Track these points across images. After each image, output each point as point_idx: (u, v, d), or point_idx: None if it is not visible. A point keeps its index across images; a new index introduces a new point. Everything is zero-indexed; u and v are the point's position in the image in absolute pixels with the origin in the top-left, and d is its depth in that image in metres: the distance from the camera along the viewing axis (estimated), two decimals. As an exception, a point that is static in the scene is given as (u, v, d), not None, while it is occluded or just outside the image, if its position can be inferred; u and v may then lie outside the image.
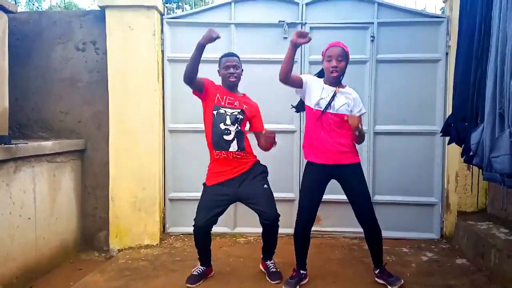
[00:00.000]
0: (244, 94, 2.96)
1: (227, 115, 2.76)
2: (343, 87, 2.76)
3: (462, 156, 2.41)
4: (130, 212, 3.71)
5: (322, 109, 2.65)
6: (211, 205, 2.74)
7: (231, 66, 2.81)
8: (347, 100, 2.69)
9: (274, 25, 3.89)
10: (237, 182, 2.77)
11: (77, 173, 3.79)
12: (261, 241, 3.81)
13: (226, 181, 2.78)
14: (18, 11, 3.66)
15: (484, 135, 2.06)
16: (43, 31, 3.82)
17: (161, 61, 3.86)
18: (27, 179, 3.07)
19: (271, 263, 3.02)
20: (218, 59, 3.86)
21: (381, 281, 2.82)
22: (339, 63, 2.64)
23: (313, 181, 2.75)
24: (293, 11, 3.91)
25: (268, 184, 2.86)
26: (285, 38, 3.89)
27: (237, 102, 2.82)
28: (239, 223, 4.02)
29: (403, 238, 3.83)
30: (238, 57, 2.92)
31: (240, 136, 2.79)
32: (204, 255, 2.92)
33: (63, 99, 3.84)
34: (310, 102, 2.72)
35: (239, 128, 2.79)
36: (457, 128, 2.49)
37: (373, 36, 3.84)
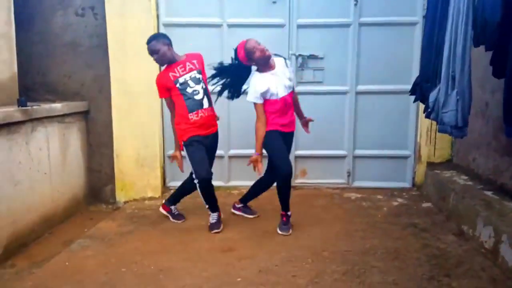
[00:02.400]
0: (185, 54, 3.20)
1: (187, 80, 3.08)
2: (272, 66, 3.07)
3: (423, 112, 2.79)
4: (134, 167, 4.10)
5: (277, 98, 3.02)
6: (201, 152, 3.11)
7: (152, 53, 3.08)
8: (286, 79, 3.07)
9: (264, -10, 4.12)
10: (209, 139, 3.19)
11: (83, 132, 4.12)
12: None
13: (204, 136, 3.15)
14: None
15: (439, 94, 2.43)
16: (43, -3, 4.01)
17: (156, 25, 4.09)
18: (42, 138, 3.41)
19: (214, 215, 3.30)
20: (208, 23, 4.14)
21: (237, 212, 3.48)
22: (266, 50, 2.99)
23: (281, 140, 3.13)
24: (281, -24, 4.12)
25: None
26: (274, 2, 4.12)
27: (187, 64, 3.11)
28: (233, 177, 4.42)
29: (379, 187, 4.29)
30: (157, 38, 3.09)
31: (206, 92, 3.14)
32: (214, 202, 3.27)
33: (65, 63, 4.10)
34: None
35: (203, 86, 3.12)
36: (421, 88, 2.85)
37: (356, 0, 4.09)
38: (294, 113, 3.25)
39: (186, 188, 3.43)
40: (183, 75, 3.09)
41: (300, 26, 4.16)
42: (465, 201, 3.07)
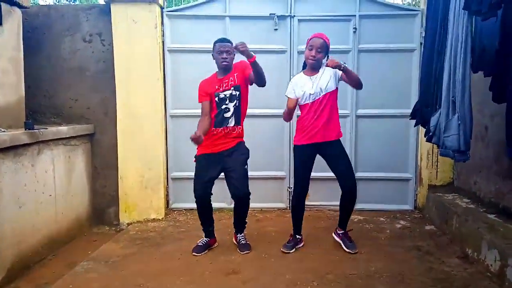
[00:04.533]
0: (233, 64, 3.18)
1: (227, 97, 3.12)
2: (317, 72, 3.13)
3: (425, 136, 2.84)
4: (138, 189, 4.12)
5: (313, 101, 3.05)
6: (203, 171, 3.12)
7: (224, 52, 3.08)
8: (328, 74, 3.07)
9: (265, 18, 4.25)
10: (223, 155, 3.13)
11: (88, 155, 4.16)
12: (256, 214, 4.28)
13: (215, 153, 3.13)
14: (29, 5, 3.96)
15: (440, 119, 2.49)
16: (52, 24, 4.13)
17: (162, 51, 4.20)
18: (47, 161, 3.44)
19: (242, 236, 3.34)
20: (211, 49, 4.25)
21: (338, 240, 3.30)
22: (317, 53, 3.04)
23: (304, 160, 3.16)
24: (282, 4, 4.26)
25: (247, 166, 3.22)
26: (276, 29, 4.26)
27: (230, 78, 3.12)
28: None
29: (381, 209, 4.31)
30: (231, 42, 3.13)
31: (237, 111, 3.13)
32: (208, 225, 3.30)
33: (72, 87, 4.18)
34: (300, 102, 3.11)
35: (238, 104, 3.12)
36: (421, 113, 2.91)
37: (355, 28, 4.22)
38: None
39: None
40: (225, 90, 3.12)
41: (300, 52, 4.25)
42: (468, 224, 3.09)
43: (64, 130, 3.68)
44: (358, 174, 4.35)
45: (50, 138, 3.47)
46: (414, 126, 3.28)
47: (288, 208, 4.42)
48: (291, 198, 4.42)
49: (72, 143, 3.84)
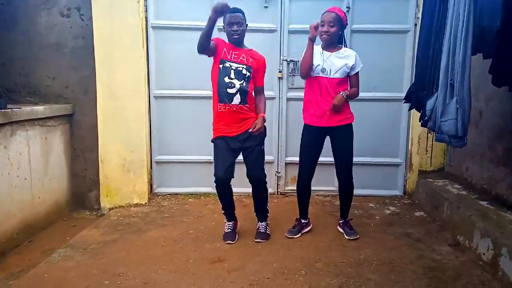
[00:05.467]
0: (251, 49, 2.98)
1: (232, 69, 2.85)
2: (339, 49, 2.99)
3: (419, 121, 2.73)
4: (120, 173, 3.95)
5: (319, 75, 2.92)
6: (224, 156, 2.92)
7: (234, 23, 2.81)
8: (344, 62, 2.95)
9: (255, -6, 4.04)
10: (241, 137, 2.92)
11: (67, 136, 3.96)
12: (242, 199, 4.16)
13: (232, 137, 2.92)
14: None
15: (437, 103, 2.37)
16: (27, -4, 3.86)
17: (145, 27, 3.97)
18: (22, 142, 3.25)
19: (262, 225, 3.17)
20: (198, 26, 4.05)
21: (341, 230, 3.23)
22: (330, 28, 2.89)
23: (310, 140, 3.06)
24: (273, -20, 4.05)
25: (263, 146, 3.05)
26: (266, 7, 4.06)
27: (243, 56, 2.88)
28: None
29: (370, 195, 4.24)
30: (242, 13, 2.88)
31: (243, 91, 2.87)
32: (229, 209, 3.14)
33: (49, 64, 3.94)
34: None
35: (245, 84, 2.86)
36: (417, 96, 2.80)
37: (348, 7, 4.05)
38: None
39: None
40: (232, 61, 2.86)
41: (291, 32, 4.10)
42: (460, 211, 3.02)
43: (40, 110, 3.47)
44: (348, 159, 4.26)
45: (25, 118, 3.26)
46: (409, 110, 3.17)
47: (276, 193, 4.32)
48: (279, 183, 4.32)
49: (49, 124, 3.64)
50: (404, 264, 2.67)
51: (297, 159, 3.95)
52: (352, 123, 3.06)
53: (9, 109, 2.99)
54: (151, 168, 4.22)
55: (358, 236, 3.11)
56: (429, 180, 3.87)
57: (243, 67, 2.87)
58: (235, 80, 2.85)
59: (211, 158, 4.12)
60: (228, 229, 3.15)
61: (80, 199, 4.12)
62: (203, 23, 4.12)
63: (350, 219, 3.27)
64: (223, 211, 3.17)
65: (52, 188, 3.71)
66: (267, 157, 4.27)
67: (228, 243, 3.02)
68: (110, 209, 3.94)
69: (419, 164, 4.12)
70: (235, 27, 2.82)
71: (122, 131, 3.90)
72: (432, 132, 3.92)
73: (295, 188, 4.26)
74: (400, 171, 4.29)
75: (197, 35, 3.95)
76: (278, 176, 4.32)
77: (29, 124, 3.34)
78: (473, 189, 3.42)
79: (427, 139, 3.99)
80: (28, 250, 3.18)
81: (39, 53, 3.92)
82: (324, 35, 2.91)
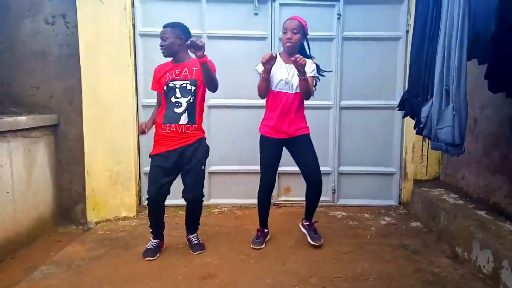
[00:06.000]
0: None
1: (176, 87, 2.78)
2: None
3: (414, 128, 2.66)
4: (107, 185, 3.82)
5: (282, 90, 2.85)
6: (159, 175, 2.81)
7: (160, 38, 2.81)
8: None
9: (245, 1, 3.98)
10: (179, 152, 2.81)
11: (51, 148, 3.83)
12: (234, 211, 4.06)
13: (170, 151, 2.81)
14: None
15: (432, 109, 2.30)
16: (11, 3, 3.75)
17: (132, 35, 3.88)
18: (4, 154, 3.11)
19: (194, 236, 3.11)
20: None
21: (304, 231, 3.17)
22: (293, 35, 2.81)
23: (270, 152, 3.01)
24: (263, -13, 4.00)
25: (204, 166, 2.94)
26: (256, 14, 3.99)
27: (186, 69, 2.80)
28: (213, 195, 4.20)
29: (365, 205, 4.15)
30: (174, 27, 2.80)
31: (191, 108, 2.80)
32: (158, 228, 3.00)
33: (34, 73, 3.83)
34: (272, 85, 2.87)
35: (192, 100, 2.79)
36: (411, 103, 2.73)
37: (339, 14, 4.00)
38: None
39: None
40: (175, 79, 2.79)
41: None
42: (458, 221, 2.94)
43: (23, 120, 3.34)
44: (341, 168, 4.19)
45: (7, 129, 3.13)
46: (403, 118, 3.10)
47: (268, 204, 4.20)
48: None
49: (32, 135, 3.51)
50: (402, 278, 2.57)
51: (291, 168, 3.87)
52: (309, 134, 3.00)
53: (-11, 120, 2.87)
54: (139, 180, 4.09)
55: (322, 241, 3.04)
56: (425, 189, 3.79)
57: (187, 83, 2.79)
58: (181, 98, 2.79)
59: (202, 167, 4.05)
60: (150, 246, 2.98)
61: (65, 212, 3.97)
62: (193, 31, 4.06)
63: (315, 221, 3.21)
64: (152, 230, 3.02)
65: (36, 202, 3.56)
66: (258, 168, 4.17)
67: (147, 260, 2.87)
68: (97, 223, 3.80)
69: (414, 173, 4.04)
70: (161, 42, 2.80)
71: (109, 141, 3.78)
72: (427, 140, 3.89)
73: (288, 198, 4.21)
74: (395, 181, 4.21)
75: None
76: (270, 187, 4.20)
77: (11, 135, 3.20)
78: (469, 198, 3.35)
79: (422, 148, 3.92)
80: (10, 267, 3.03)
81: (23, 61, 3.80)
82: (288, 43, 2.83)
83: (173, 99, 2.80)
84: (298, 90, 2.87)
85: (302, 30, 2.84)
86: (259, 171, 4.17)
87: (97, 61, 3.70)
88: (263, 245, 3.09)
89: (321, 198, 4.07)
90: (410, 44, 2.98)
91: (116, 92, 3.73)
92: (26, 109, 3.82)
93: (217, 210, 4.08)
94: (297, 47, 2.88)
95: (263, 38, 4.03)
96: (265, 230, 3.18)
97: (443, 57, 2.24)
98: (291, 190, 4.22)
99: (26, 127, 3.38)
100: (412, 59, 2.77)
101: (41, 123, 3.60)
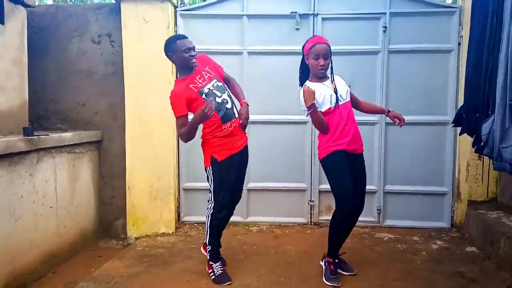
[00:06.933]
0: (195, 56, 2.75)
1: (212, 89, 2.70)
2: (327, 79, 2.75)
3: (473, 147, 2.44)
4: (147, 201, 3.82)
5: (335, 105, 2.68)
6: (231, 180, 2.73)
7: (191, 49, 2.66)
8: (344, 85, 2.77)
9: (286, 16, 3.92)
10: (242, 154, 2.79)
11: (95, 163, 3.90)
12: (273, 229, 3.93)
13: (236, 153, 2.74)
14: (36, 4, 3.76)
15: (494, 126, 2.09)
16: (60, 24, 3.91)
17: (174, 53, 3.91)
18: (48, 170, 3.18)
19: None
20: (228, 50, 3.95)
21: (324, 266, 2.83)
22: (325, 61, 2.65)
23: (344, 166, 2.68)
24: (305, 1, 3.92)
25: None
26: (297, 29, 3.92)
27: (205, 73, 2.74)
28: (252, 212, 4.11)
29: (414, 227, 3.88)
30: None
31: (232, 100, 2.80)
32: (219, 246, 2.86)
33: (79, 90, 3.94)
34: (321, 108, 2.69)
35: (228, 93, 2.79)
36: (468, 119, 2.51)
37: (385, 27, 3.85)
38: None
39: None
40: (206, 84, 2.70)
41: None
42: (521, 249, 2.66)
43: (68, 136, 3.42)
44: (387, 187, 3.97)
45: (52, 146, 3.21)
46: (460, 135, 2.87)
47: (309, 223, 4.04)
48: (312, 212, 4.05)
49: (77, 151, 3.58)
50: (459, 311, 2.33)
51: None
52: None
53: (36, 136, 2.94)
54: (178, 196, 4.07)
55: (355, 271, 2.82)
56: (481, 211, 3.49)
57: (214, 81, 2.75)
58: (223, 94, 2.74)
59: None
60: (220, 269, 2.80)
61: (106, 227, 4.01)
62: (234, 47, 4.07)
63: (343, 252, 2.92)
64: (213, 248, 2.83)
65: (78, 217, 3.62)
66: (300, 185, 4.06)
67: (228, 284, 2.71)
68: (136, 238, 3.80)
69: (468, 193, 3.74)
70: (193, 53, 2.67)
71: (150, 157, 3.80)
72: (483, 158, 3.61)
73: (329, 218, 4.02)
74: (447, 201, 3.92)
75: (227, 59, 3.88)
76: (311, 205, 4.05)
77: (56, 151, 3.28)
78: (533, 223, 3.04)
79: (479, 166, 3.63)
80: (50, 282, 3.07)
81: (70, 79, 3.93)
82: (321, 71, 2.67)
83: (218, 99, 2.70)
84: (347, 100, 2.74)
85: (330, 53, 2.69)
86: (300, 188, 4.07)
87: (141, 79, 3.76)
88: (340, 284, 2.69)
89: (366, 218, 3.95)
90: (465, 57, 2.77)
91: (158, 109, 3.75)
92: (72, 125, 3.93)
93: (256, 228, 3.98)
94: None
95: (304, 53, 3.93)
96: (336, 261, 2.84)
97: (506, 69, 2.03)
98: (332, 209, 4.03)
99: (71, 143, 3.45)
100: (469, 72, 2.57)
101: (85, 139, 3.67)
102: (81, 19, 3.91)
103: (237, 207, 3.84)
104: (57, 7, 4.11)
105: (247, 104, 2.81)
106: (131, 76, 3.78)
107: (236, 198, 2.90)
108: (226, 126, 2.70)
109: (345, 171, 2.64)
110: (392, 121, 3.86)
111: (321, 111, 2.65)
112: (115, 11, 3.82)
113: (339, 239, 2.81)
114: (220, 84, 2.77)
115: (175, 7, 3.92)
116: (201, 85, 2.70)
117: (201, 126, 2.72)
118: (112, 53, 3.91)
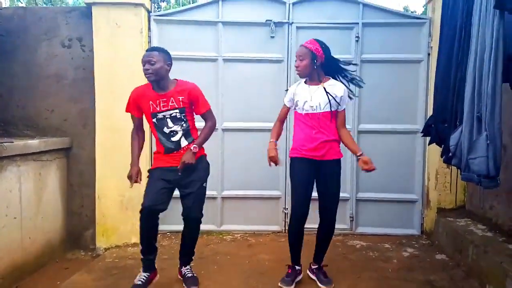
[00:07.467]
0: (177, 81, 2.74)
1: (167, 118, 2.68)
2: (326, 80, 2.77)
3: (441, 157, 2.50)
4: (117, 210, 3.72)
5: (306, 111, 2.71)
6: (158, 184, 2.68)
7: (146, 62, 2.59)
8: (330, 96, 2.71)
9: (262, 24, 3.93)
10: (179, 170, 2.67)
11: (63, 171, 3.76)
12: (247, 238, 3.90)
13: (170, 167, 2.70)
14: (2, 7, 3.61)
15: (462, 137, 2.14)
16: (28, 27, 3.77)
17: (148, 59, 3.84)
18: (12, 178, 3.05)
19: (187, 269, 2.88)
20: (203, 57, 3.93)
21: (313, 277, 2.90)
22: (300, 62, 2.71)
23: (300, 175, 2.73)
24: (280, 10, 3.94)
25: (206, 185, 2.81)
26: (272, 37, 3.93)
27: (172, 99, 2.67)
28: (226, 221, 4.07)
29: (385, 234, 3.94)
30: (161, 51, 2.66)
31: (186, 130, 2.73)
32: (150, 252, 2.75)
33: (48, 96, 3.81)
34: (298, 108, 2.76)
35: (185, 125, 2.72)
36: (437, 129, 2.58)
37: (358, 37, 3.91)
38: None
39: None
40: (163, 111, 2.67)
41: (299, 62, 3.94)
42: (488, 257, 2.72)
43: (34, 144, 3.29)
44: (359, 195, 4.02)
45: (17, 153, 3.07)
46: (429, 144, 2.93)
47: (283, 231, 4.03)
48: (287, 220, 4.04)
49: (43, 159, 3.45)
50: (430, 319, 2.36)
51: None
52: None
53: (-1, 144, 2.81)
54: (151, 205, 3.97)
55: (333, 285, 2.80)
56: (450, 219, 3.58)
57: (176, 112, 2.69)
58: (174, 126, 2.70)
59: (214, 193, 3.94)
60: (138, 281, 2.69)
61: (75, 238, 3.87)
62: (209, 54, 4.04)
63: (325, 265, 2.94)
64: (142, 256, 2.79)
65: (44, 227, 3.47)
66: (274, 193, 4.04)
67: None
68: (106, 249, 3.68)
69: (438, 201, 3.83)
70: (146, 66, 2.59)
71: (121, 165, 3.65)
72: (451, 167, 3.69)
73: (307, 226, 4.01)
74: (417, 209, 4.00)
75: (201, 66, 3.84)
76: (285, 213, 4.05)
77: (21, 159, 3.14)
78: (499, 230, 3.13)
79: (448, 175, 3.72)
80: (14, 297, 2.93)
81: (38, 84, 3.79)
82: (296, 72, 2.78)
83: (166, 130, 2.69)
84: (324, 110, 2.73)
85: (309, 55, 2.69)
86: (274, 196, 4.06)
87: (112, 85, 3.67)
88: (292, 286, 2.77)
89: (338, 226, 3.94)
90: (434, 67, 2.84)
91: (130, 116, 3.66)
92: (40, 131, 3.78)
93: (230, 237, 3.93)
94: (309, 72, 2.73)
95: (279, 61, 3.95)
96: (296, 267, 2.88)
97: (474, 82, 2.10)
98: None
99: (38, 150, 3.32)
100: (437, 84, 2.64)
101: (53, 147, 3.54)
102: (51, 22, 3.78)
103: (211, 215, 3.83)
104: (25, 9, 3.95)
105: (192, 150, 2.67)
106: (102, 81, 3.68)
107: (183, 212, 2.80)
108: (167, 156, 2.73)
109: (299, 180, 2.72)
110: (364, 130, 3.96)
111: (299, 112, 2.76)
112: (86, 14, 3.72)
113: (293, 244, 2.84)
114: (179, 116, 2.70)
115: (149, 12, 3.86)
116: (159, 109, 2.68)
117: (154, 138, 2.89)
118: (83, 57, 3.80)
